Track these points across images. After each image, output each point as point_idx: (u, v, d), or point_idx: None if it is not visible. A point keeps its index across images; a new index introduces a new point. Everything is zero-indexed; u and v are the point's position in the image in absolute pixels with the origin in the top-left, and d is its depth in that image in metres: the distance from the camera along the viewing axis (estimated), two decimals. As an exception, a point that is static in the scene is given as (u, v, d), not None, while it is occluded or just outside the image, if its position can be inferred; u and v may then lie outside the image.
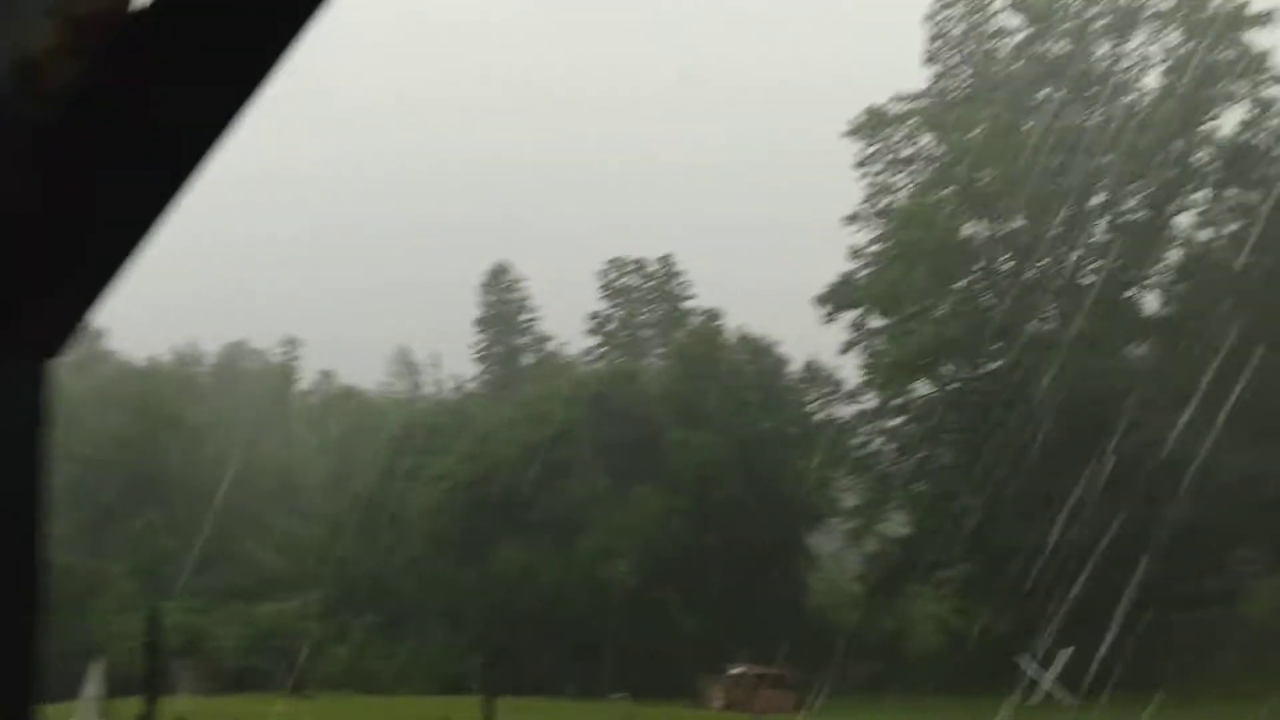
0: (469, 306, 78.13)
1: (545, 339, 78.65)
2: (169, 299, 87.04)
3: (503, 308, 78.62)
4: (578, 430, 54.96)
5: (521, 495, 53.54)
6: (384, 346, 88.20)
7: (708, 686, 44.08)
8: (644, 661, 49.26)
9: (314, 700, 43.51)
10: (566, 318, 75.49)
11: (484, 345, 78.45)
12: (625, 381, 59.12)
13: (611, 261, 74.46)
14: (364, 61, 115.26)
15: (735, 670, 43.04)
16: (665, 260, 72.58)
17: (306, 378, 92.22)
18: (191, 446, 71.47)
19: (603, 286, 74.37)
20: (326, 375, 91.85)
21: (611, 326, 73.72)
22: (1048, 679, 39.93)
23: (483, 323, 78.30)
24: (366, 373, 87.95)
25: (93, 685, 26.60)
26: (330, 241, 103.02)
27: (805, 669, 45.74)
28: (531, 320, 79.34)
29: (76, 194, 1.50)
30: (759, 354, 57.75)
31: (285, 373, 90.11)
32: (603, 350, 72.49)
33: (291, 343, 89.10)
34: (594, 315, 73.93)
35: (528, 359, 78.33)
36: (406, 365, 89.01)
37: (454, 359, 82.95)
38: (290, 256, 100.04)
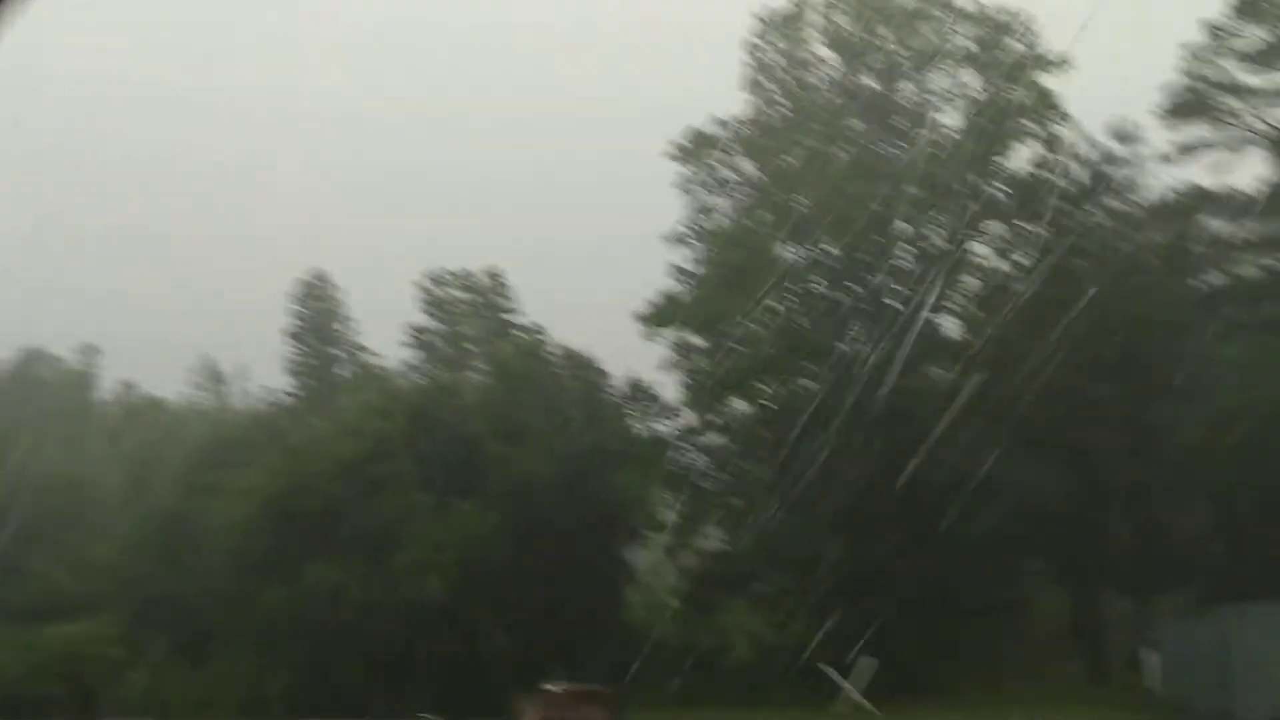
0: (280, 316, 75.87)
1: (362, 351, 77.02)
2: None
3: (317, 318, 76.56)
4: (395, 445, 53.99)
5: (334, 511, 52.20)
6: (189, 355, 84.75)
7: (521, 705, 43.87)
8: (456, 680, 48.75)
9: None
10: (386, 330, 74.23)
11: (296, 356, 76.19)
12: (445, 396, 58.47)
13: (431, 273, 73.61)
14: (187, 58, 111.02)
15: (550, 686, 42.99)
16: (493, 274, 72.22)
17: (107, 387, 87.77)
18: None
19: (423, 299, 73.41)
20: (128, 385, 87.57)
21: (431, 339, 72.82)
22: (852, 688, 41.51)
23: (294, 333, 76.06)
24: (171, 383, 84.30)
25: None
26: (133, 244, 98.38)
27: (622, 684, 46.15)
28: (347, 331, 77.57)
29: None
30: (581, 369, 58.06)
31: (83, 381, 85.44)
32: (422, 364, 71.50)
33: (90, 350, 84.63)
34: (413, 328, 72.89)
35: (343, 371, 76.49)
36: (212, 375, 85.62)
37: (263, 369, 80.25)
38: (91, 258, 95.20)
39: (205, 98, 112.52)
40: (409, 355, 72.33)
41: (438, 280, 73.44)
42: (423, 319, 72.92)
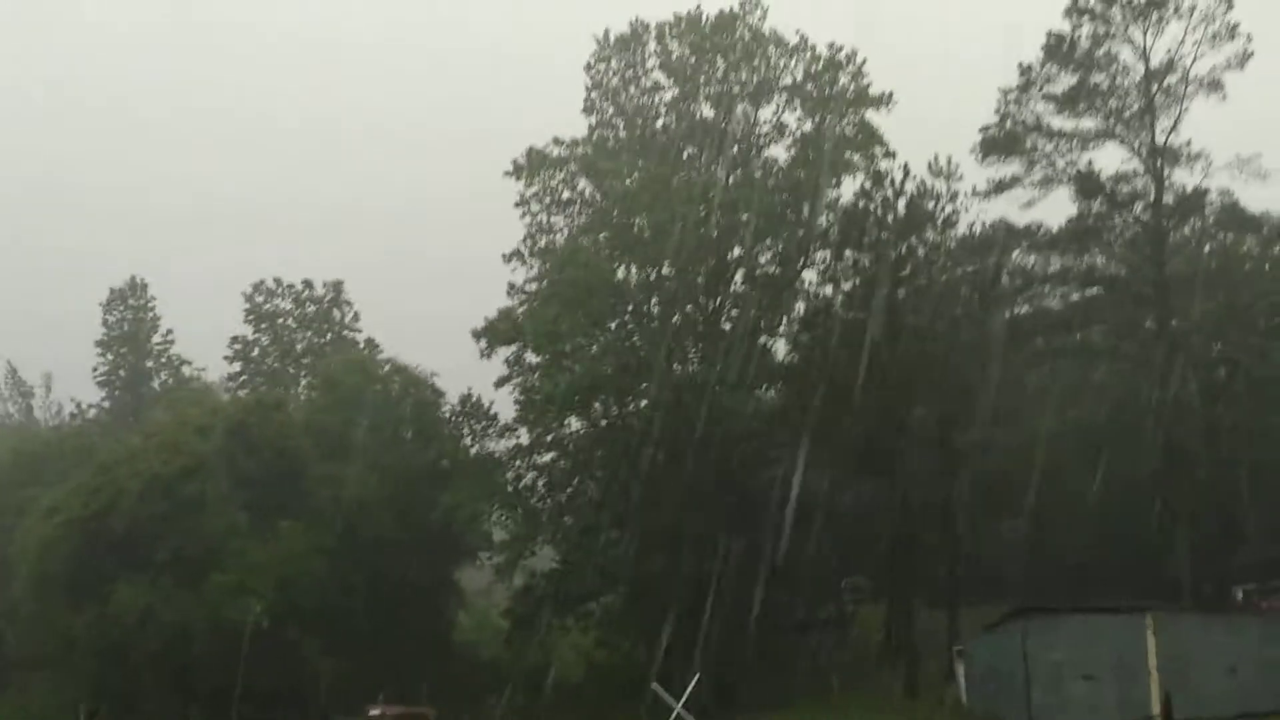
0: (90, 325, 72.13)
1: (180, 364, 73.91)
2: None
3: (130, 328, 73.06)
4: (214, 462, 51.97)
5: (147, 531, 49.84)
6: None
7: (345, 727, 42.86)
8: (275, 703, 47.22)
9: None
10: (214, 343, 71.40)
11: (106, 367, 72.50)
12: (269, 411, 56.60)
13: (257, 284, 71.34)
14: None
15: (374, 710, 42.09)
16: (333, 285, 70.40)
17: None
18: None
19: (247, 310, 71.05)
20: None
21: (256, 352, 70.49)
22: (678, 705, 42.01)
23: (105, 343, 72.39)
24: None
25: None
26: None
27: (450, 705, 45.55)
28: (165, 344, 74.31)
29: None
30: (413, 385, 57.18)
31: None
32: (244, 378, 69.14)
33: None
34: (235, 339, 70.45)
35: (158, 384, 73.22)
36: (17, 386, 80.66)
37: (71, 381, 76.14)
38: None
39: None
40: (230, 368, 69.91)
41: (264, 291, 71.21)
42: (246, 330, 70.61)
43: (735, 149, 54.67)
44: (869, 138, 52.34)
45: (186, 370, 72.92)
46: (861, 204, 48.50)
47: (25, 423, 77.91)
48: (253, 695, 47.46)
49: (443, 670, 50.62)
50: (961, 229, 47.84)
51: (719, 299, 51.83)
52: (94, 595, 48.76)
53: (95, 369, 71.72)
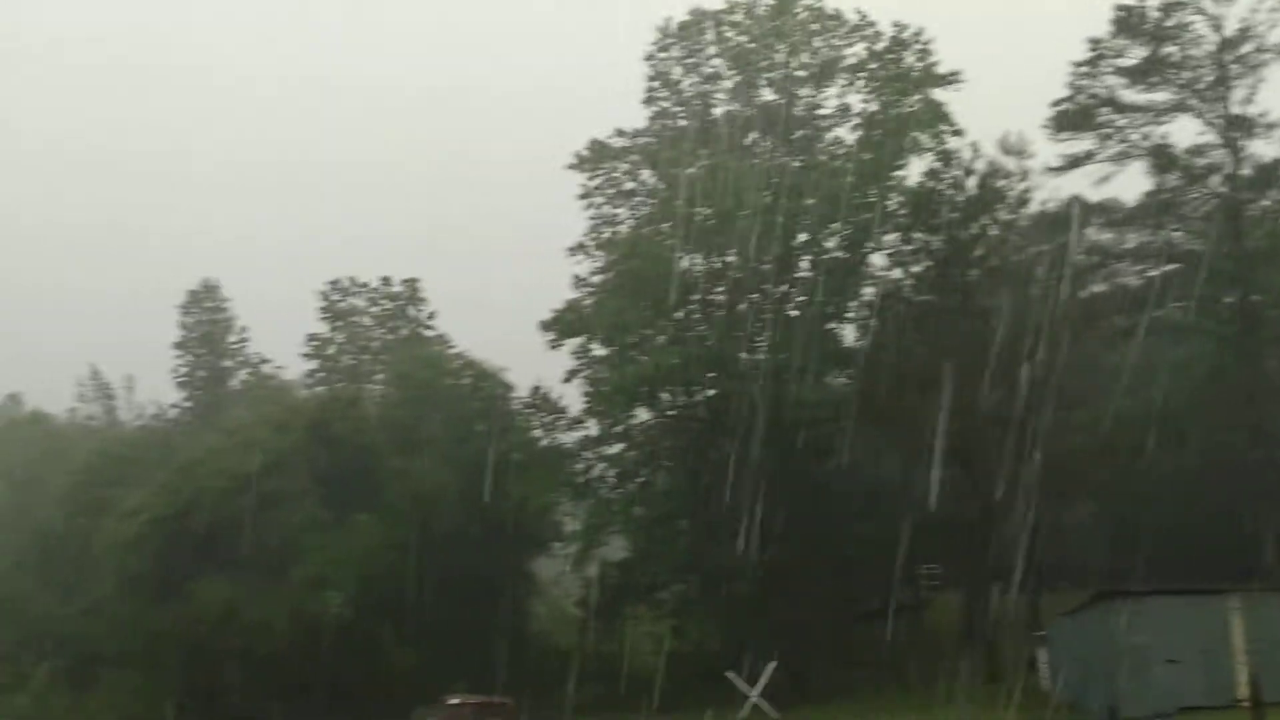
0: (166, 325, 73.71)
1: (258, 362, 75.27)
2: None
3: (207, 328, 74.57)
4: (292, 458, 52.87)
5: (228, 528, 50.86)
6: (75, 368, 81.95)
7: (421, 717, 43.31)
8: (357, 696, 47.94)
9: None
10: (286, 341, 72.64)
11: (186, 368, 74.09)
12: (345, 407, 57.45)
13: (333, 282, 72.42)
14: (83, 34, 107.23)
15: (451, 700, 42.51)
16: (409, 281, 71.22)
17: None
18: None
19: (323, 308, 72.16)
20: (13, 398, 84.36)
21: (331, 349, 71.59)
22: (754, 694, 41.88)
23: (183, 344, 73.98)
24: (58, 397, 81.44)
25: None
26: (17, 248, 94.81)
27: (527, 695, 45.86)
28: (241, 342, 75.70)
29: None
30: (484, 379, 57.65)
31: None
32: (321, 375, 70.25)
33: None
34: (312, 337, 71.59)
35: (236, 383, 74.66)
36: (100, 388, 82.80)
37: (152, 381, 77.99)
38: None
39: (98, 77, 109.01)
40: (308, 366, 71.07)
41: (340, 289, 72.28)
42: (322, 327, 71.73)
43: (799, 133, 54.21)
44: (936, 116, 51.53)
45: (265, 369, 74.26)
46: (930, 184, 47.80)
47: (109, 424, 79.99)
48: (334, 688, 48.31)
49: (518, 660, 51.02)
50: (1034, 207, 46.96)
51: (785, 285, 51.46)
52: (178, 592, 49.93)
53: (175, 370, 73.41)
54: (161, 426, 71.10)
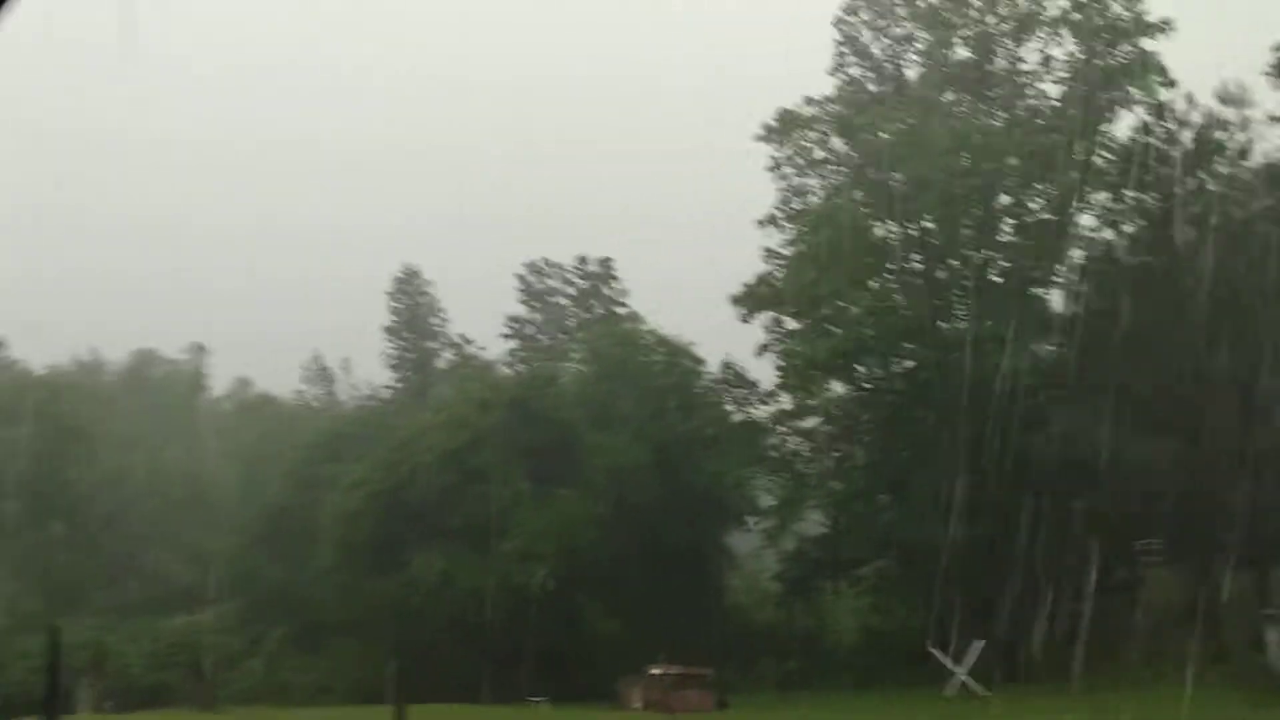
0: (376, 309, 77.19)
1: (460, 343, 77.98)
2: (72, 310, 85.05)
3: (413, 312, 77.74)
4: (495, 435, 54.62)
5: (439, 501, 53.05)
6: (299, 352, 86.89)
7: (626, 688, 44.07)
8: (561, 665, 49.22)
9: (225, 715, 42.63)
10: (482, 321, 75.02)
11: (396, 350, 77.49)
12: (543, 385, 58.95)
13: (530, 263, 74.20)
14: (293, 37, 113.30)
15: (654, 671, 43.12)
16: (603, 261, 72.39)
17: (221, 384, 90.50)
18: (97, 457, 69.54)
19: (521, 289, 74.07)
20: (243, 382, 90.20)
21: (530, 329, 73.50)
22: (961, 671, 40.76)
23: (392, 328, 77.33)
24: (284, 379, 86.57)
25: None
26: (243, 241, 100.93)
27: (725, 668, 46.08)
28: (443, 324, 78.59)
29: None
30: (676, 355, 58.02)
31: (194, 380, 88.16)
32: (522, 354, 72.15)
33: (199, 349, 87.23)
34: (511, 318, 73.60)
35: (442, 363, 77.57)
36: (320, 371, 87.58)
37: (365, 364, 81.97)
38: (202, 256, 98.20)
39: (312, 78, 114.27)
40: (509, 345, 73.13)
41: (536, 270, 74.03)
42: (522, 308, 73.71)
43: (998, 91, 51.99)
44: (1147, 67, 48.43)
45: (467, 349, 76.90)
46: (1142, 139, 45.08)
47: (329, 405, 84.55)
48: (540, 656, 49.78)
49: (716, 633, 51.30)
50: (1257, 159, 43.65)
51: (987, 250, 49.58)
52: (394, 562, 52.39)
53: (386, 354, 76.97)
54: (376, 406, 74.60)
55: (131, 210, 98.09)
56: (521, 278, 74.13)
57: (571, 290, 73.98)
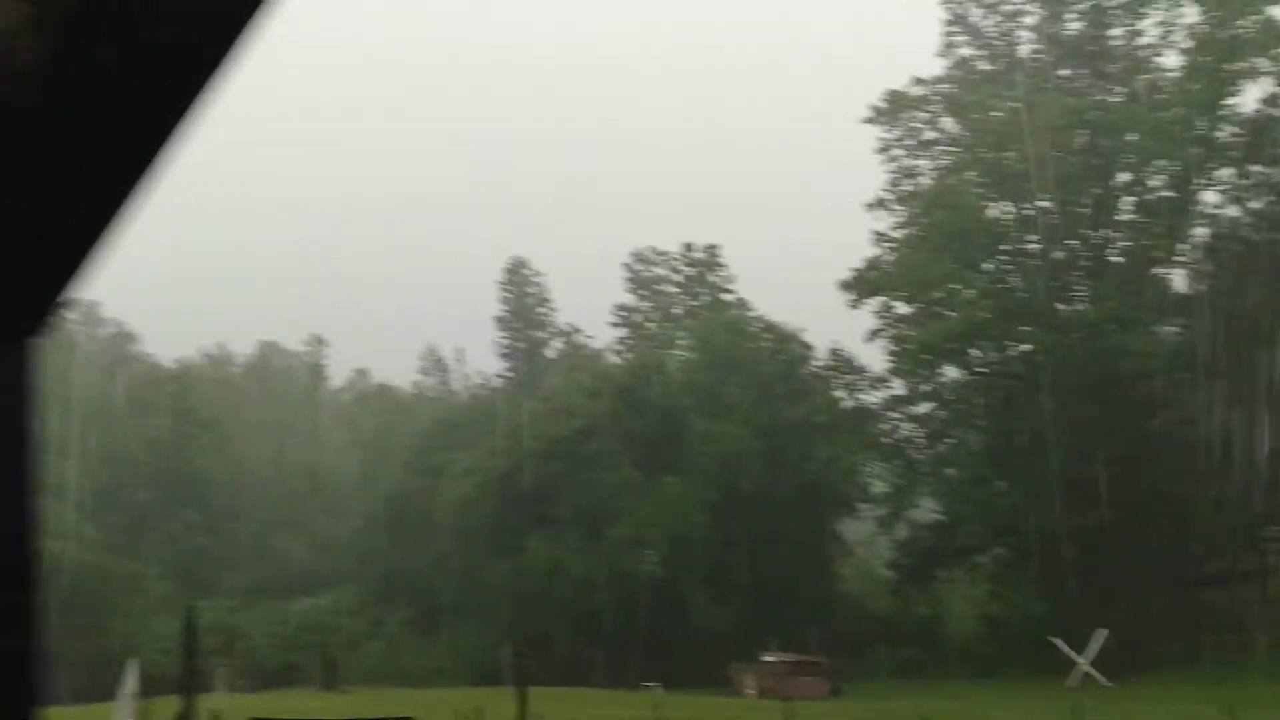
0: (488, 300, 78.46)
1: (569, 332, 78.84)
2: (198, 302, 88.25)
3: (522, 302, 78.80)
4: (604, 423, 55.11)
5: (550, 488, 53.78)
6: (415, 344, 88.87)
7: (739, 675, 44.11)
8: (672, 651, 49.47)
9: (349, 695, 43.89)
10: (589, 310, 75.67)
11: (506, 340, 78.70)
12: (651, 373, 59.22)
13: (638, 253, 74.53)
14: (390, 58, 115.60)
15: (767, 658, 43.07)
16: (709, 248, 72.37)
17: (340, 376, 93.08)
18: (225, 446, 72.23)
19: (629, 279, 74.48)
20: (361, 373, 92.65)
21: (638, 318, 73.87)
22: (1084, 662, 39.79)
23: (503, 319, 78.51)
24: (401, 370, 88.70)
25: (129, 685, 27.00)
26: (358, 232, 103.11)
27: (838, 656, 45.77)
28: (552, 313, 79.52)
29: (47, 170, 1.49)
30: (783, 342, 57.69)
31: (316, 372, 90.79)
32: (630, 342, 72.59)
33: (319, 341, 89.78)
34: (619, 307, 74.07)
35: (551, 353, 78.55)
36: (435, 362, 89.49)
37: (477, 354, 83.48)
38: (315, 257, 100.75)
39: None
40: (617, 334, 73.67)
41: (643, 258, 74.34)
42: (629, 297, 74.12)
43: (1114, 66, 50.38)
44: (1275, 37, 46.37)
45: (577, 338, 77.71)
46: (1269, 111, 43.21)
47: (443, 394, 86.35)
48: (650, 643, 50.12)
49: (827, 621, 51.00)
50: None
51: (1105, 229, 48.19)
52: (507, 547, 53.30)
53: (497, 344, 78.25)
54: (488, 395, 75.91)
55: (263, 193, 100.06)
56: (629, 266, 74.55)
57: (678, 277, 74.10)
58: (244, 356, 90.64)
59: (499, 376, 78.51)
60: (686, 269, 73.48)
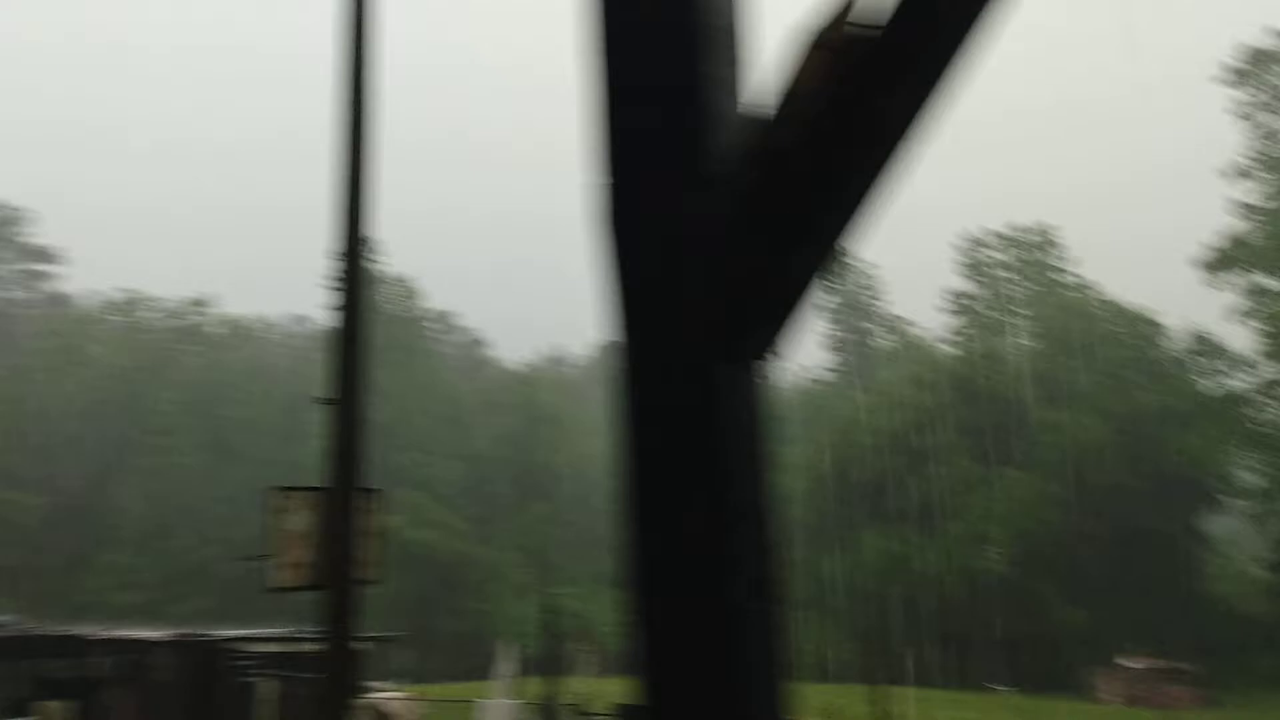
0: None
1: (896, 322, 77.36)
2: (534, 311, 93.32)
3: (849, 293, 78.03)
4: (938, 415, 53.77)
5: (883, 482, 53.11)
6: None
7: (1098, 679, 41.86)
8: (1019, 652, 47.58)
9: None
10: (914, 298, 73.97)
11: (835, 331, 78.26)
12: (988, 362, 57.19)
13: (970, 234, 72.03)
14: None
15: (1130, 662, 40.64)
16: (1043, 229, 69.10)
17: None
18: (566, 442, 76.25)
19: (962, 262, 72.07)
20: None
21: (972, 304, 71.33)
22: None
23: (829, 310, 78.09)
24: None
25: (506, 664, 28.84)
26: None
27: (1205, 662, 42.49)
28: (878, 303, 78.25)
29: (801, 210, 1.64)
30: (1134, 325, 54.04)
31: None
32: (963, 330, 70.31)
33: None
34: (952, 293, 71.83)
35: (880, 343, 77.37)
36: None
37: (805, 345, 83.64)
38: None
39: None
40: (948, 322, 71.51)
41: (977, 241, 71.77)
42: (962, 283, 71.74)
43: None
44: None
45: (907, 328, 76.12)
46: None
47: (774, 386, 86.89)
48: (995, 642, 48.40)
49: (1192, 624, 47.35)
50: None
51: None
52: (840, 543, 53.09)
53: (825, 334, 78.00)
54: (817, 388, 75.83)
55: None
56: (961, 250, 72.13)
57: (1013, 260, 70.94)
58: (580, 357, 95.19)
59: (828, 369, 78.30)
60: (1021, 251, 70.28)
